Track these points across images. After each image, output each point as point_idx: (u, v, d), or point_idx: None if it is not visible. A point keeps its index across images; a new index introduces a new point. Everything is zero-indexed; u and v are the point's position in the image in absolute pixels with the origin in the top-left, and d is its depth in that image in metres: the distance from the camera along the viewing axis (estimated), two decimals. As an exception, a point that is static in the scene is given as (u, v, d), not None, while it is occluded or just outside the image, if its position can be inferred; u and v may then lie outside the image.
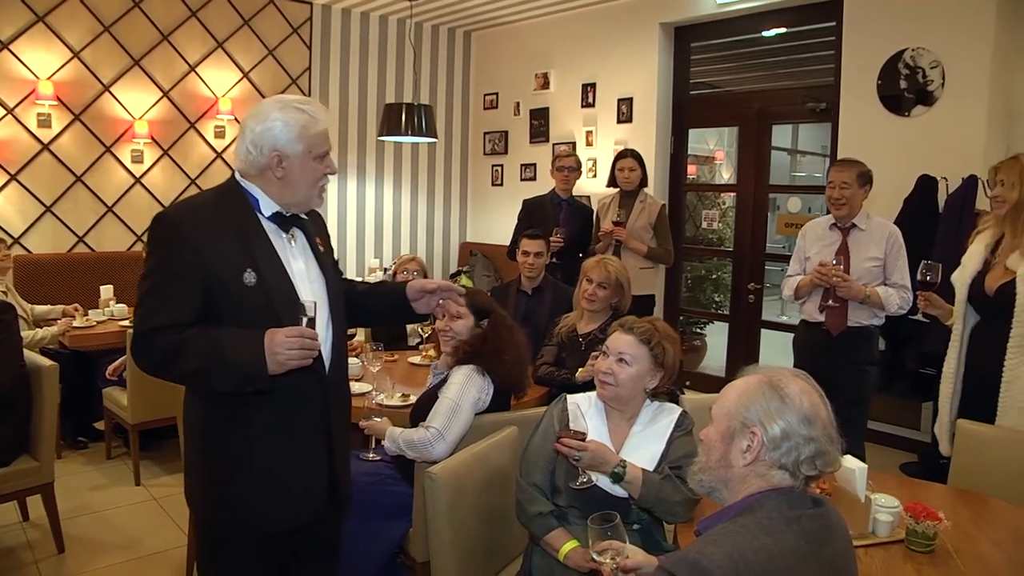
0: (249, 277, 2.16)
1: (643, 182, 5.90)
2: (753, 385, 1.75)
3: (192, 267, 2.14)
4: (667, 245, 5.84)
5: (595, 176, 7.82)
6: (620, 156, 5.90)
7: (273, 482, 2.27)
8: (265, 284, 2.18)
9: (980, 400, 3.50)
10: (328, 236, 2.57)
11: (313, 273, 2.36)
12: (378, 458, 3.37)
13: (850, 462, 2.46)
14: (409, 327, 5.17)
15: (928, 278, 3.58)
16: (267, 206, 2.27)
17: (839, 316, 4.29)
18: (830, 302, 4.28)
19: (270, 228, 2.28)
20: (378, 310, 2.70)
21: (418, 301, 2.55)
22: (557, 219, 5.98)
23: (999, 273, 3.51)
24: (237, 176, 2.30)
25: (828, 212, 4.42)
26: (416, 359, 4.65)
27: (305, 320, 2.10)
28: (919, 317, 4.41)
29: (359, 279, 8.08)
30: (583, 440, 2.45)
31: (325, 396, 2.31)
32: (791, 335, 4.73)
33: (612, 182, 5.98)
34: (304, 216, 2.38)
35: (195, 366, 2.12)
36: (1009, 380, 3.38)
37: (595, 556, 2.04)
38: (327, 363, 2.31)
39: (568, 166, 6.11)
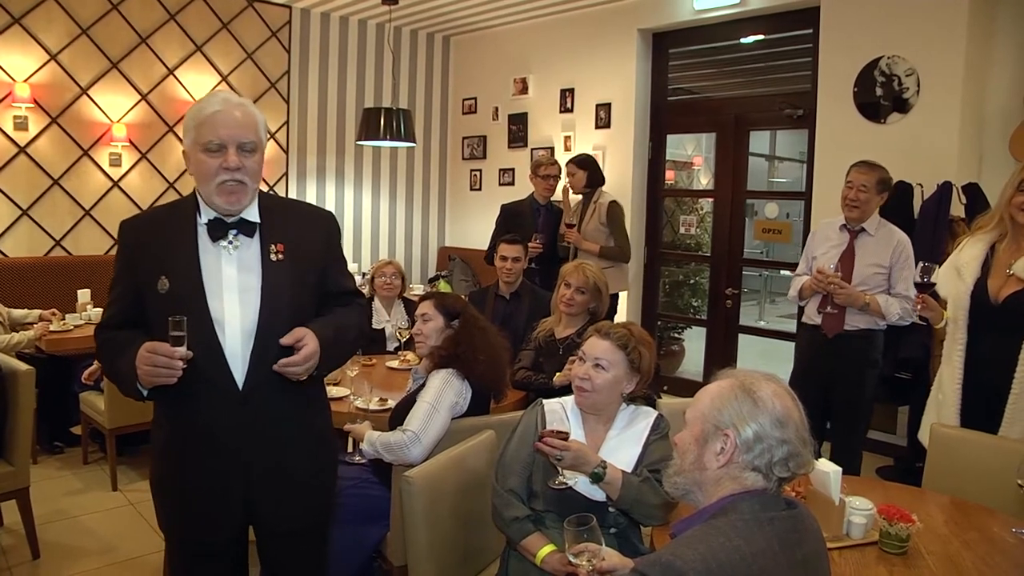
0: (163, 284, 2.18)
1: (592, 183, 6.09)
2: (726, 389, 1.77)
3: (125, 272, 2.30)
4: (621, 241, 5.97)
5: (573, 181, 7.84)
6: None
7: (184, 493, 2.29)
8: (174, 292, 2.18)
9: (979, 409, 3.44)
10: (320, 243, 2.42)
11: (248, 284, 2.24)
12: (364, 461, 3.36)
13: (825, 465, 2.48)
14: (388, 332, 5.18)
15: (925, 279, 3.50)
16: (205, 212, 2.25)
17: (836, 320, 4.30)
18: (828, 308, 4.29)
19: (203, 235, 2.24)
20: None
21: None
22: (536, 224, 6.02)
23: (1002, 280, 3.42)
24: None
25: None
26: (394, 363, 4.65)
27: (170, 337, 2.05)
28: (917, 321, 4.41)
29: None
30: (565, 440, 2.46)
31: (239, 414, 2.23)
32: (769, 340, 4.77)
33: None
34: (253, 219, 2.28)
35: (104, 367, 2.37)
36: (1019, 392, 3.31)
37: (571, 558, 2.05)
38: (240, 379, 2.22)
39: (553, 174, 6.19)
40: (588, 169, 6.08)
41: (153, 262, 2.21)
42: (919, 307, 3.62)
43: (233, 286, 2.23)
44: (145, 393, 2.18)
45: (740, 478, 1.72)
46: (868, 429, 4.55)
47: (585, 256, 5.70)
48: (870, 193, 4.23)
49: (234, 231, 2.25)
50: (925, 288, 3.54)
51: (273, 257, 2.27)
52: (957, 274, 3.56)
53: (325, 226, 2.47)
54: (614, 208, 6.01)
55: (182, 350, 2.05)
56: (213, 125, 2.16)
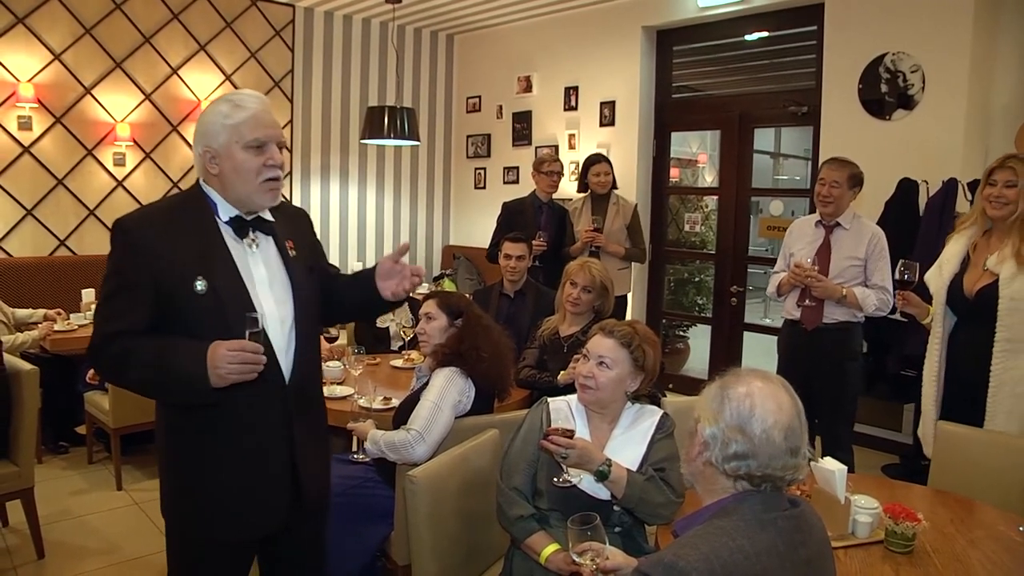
0: (200, 285, 2.12)
1: (613, 184, 6.08)
2: (713, 387, 1.79)
3: (142, 274, 2.13)
4: (641, 244, 6.10)
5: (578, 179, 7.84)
6: (594, 161, 6.12)
7: (231, 493, 2.25)
8: (217, 292, 2.14)
9: (963, 402, 3.49)
10: (309, 236, 2.53)
11: (278, 280, 2.30)
12: (368, 459, 3.34)
13: (829, 463, 2.48)
14: (392, 330, 5.17)
15: (906, 277, 3.56)
16: (225, 210, 2.24)
17: (814, 313, 4.33)
18: (807, 301, 4.32)
19: (228, 233, 2.23)
20: (352, 303, 2.61)
21: (385, 281, 2.43)
22: (538, 222, 6.00)
23: (977, 275, 3.50)
24: (200, 181, 2.28)
25: (812, 211, 4.45)
26: (398, 362, 4.65)
27: (249, 334, 2.05)
28: (898, 317, 4.43)
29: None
30: (571, 438, 2.46)
31: (286, 407, 2.27)
32: (774, 337, 4.76)
33: (583, 187, 6.17)
34: (269, 219, 2.32)
35: (140, 376, 2.13)
36: (996, 385, 3.37)
37: (575, 557, 2.04)
38: (287, 373, 2.27)
39: (556, 171, 6.17)
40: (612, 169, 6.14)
41: (182, 261, 2.13)
42: (900, 303, 3.68)
43: (265, 283, 2.27)
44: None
45: (713, 474, 1.74)
46: (854, 422, 4.54)
47: (607, 258, 5.71)
48: (842, 188, 4.26)
49: (252, 228, 2.28)
50: (906, 285, 3.60)
51: (291, 253, 2.35)
52: (939, 270, 3.65)
53: (308, 221, 2.59)
54: (637, 210, 6.10)
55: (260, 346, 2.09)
56: (256, 123, 2.19)
